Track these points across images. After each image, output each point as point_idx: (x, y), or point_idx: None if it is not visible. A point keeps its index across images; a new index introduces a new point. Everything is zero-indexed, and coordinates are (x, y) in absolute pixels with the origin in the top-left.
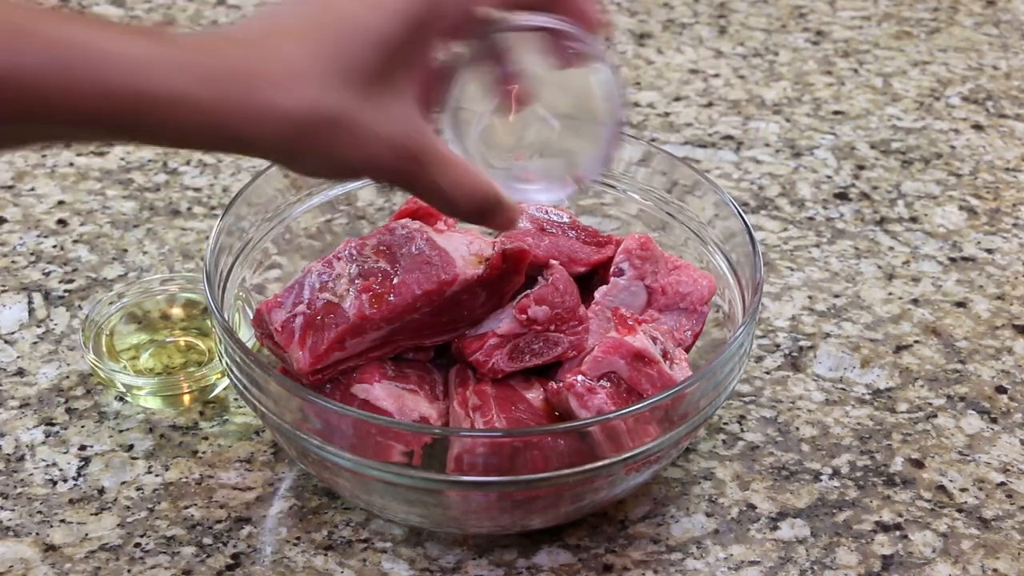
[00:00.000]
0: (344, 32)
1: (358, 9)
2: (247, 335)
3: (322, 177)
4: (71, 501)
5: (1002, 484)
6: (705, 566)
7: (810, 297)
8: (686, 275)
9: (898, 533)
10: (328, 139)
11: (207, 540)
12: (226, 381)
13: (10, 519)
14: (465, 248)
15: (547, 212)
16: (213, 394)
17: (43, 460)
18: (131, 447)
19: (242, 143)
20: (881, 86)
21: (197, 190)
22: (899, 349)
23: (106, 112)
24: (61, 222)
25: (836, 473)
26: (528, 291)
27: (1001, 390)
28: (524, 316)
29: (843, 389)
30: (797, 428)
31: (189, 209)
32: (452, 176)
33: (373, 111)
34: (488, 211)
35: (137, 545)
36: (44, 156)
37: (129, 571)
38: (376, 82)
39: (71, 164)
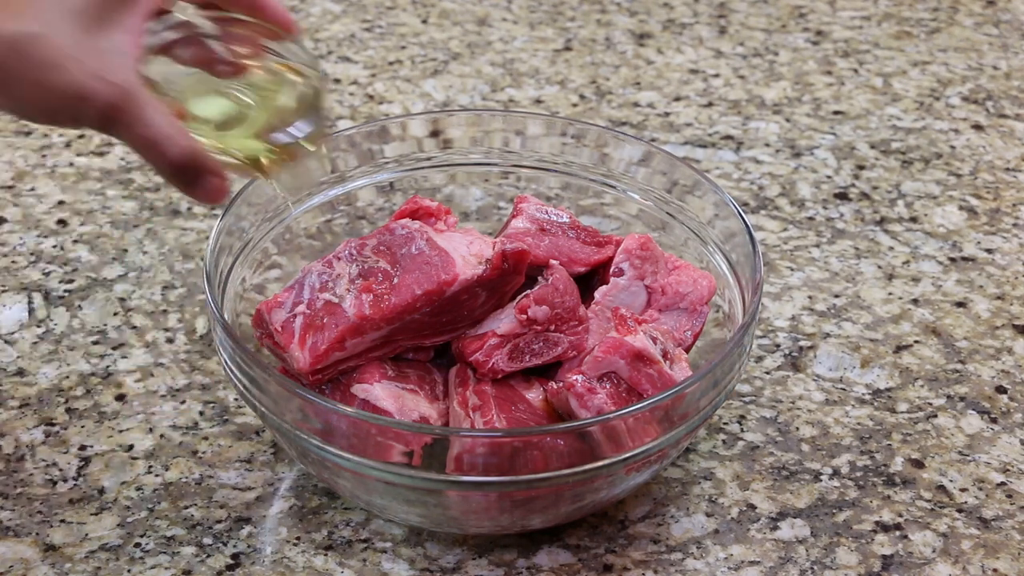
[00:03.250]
0: None
1: None
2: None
3: (37, 113)
4: (71, 501)
5: (1002, 484)
6: (705, 566)
7: (810, 297)
8: (686, 275)
9: (898, 533)
10: (39, 59)
11: (207, 540)
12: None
13: (10, 519)
14: (465, 248)
15: (547, 212)
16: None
17: (43, 460)
18: (131, 447)
19: None
20: (881, 86)
21: None
22: (899, 349)
23: None
24: (61, 222)
25: (836, 473)
26: (528, 291)
27: (1001, 390)
28: (524, 316)
29: (843, 389)
30: (797, 428)
31: (189, 209)
32: (162, 122)
33: (88, 47)
34: (193, 169)
35: (137, 545)
36: (44, 156)
37: (129, 571)
38: (92, 24)
39: (71, 164)
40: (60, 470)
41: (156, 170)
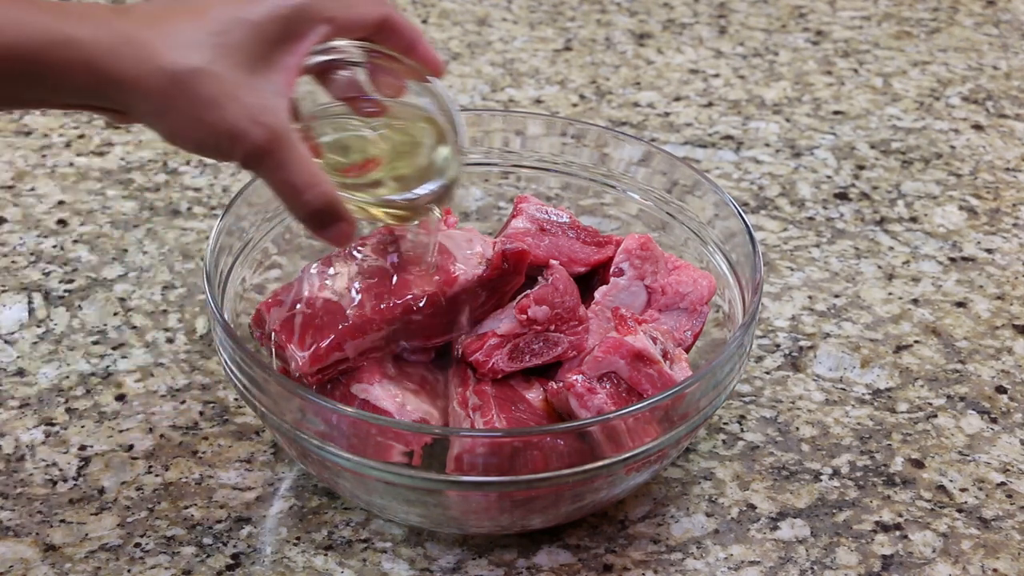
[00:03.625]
0: (228, 18)
1: (242, 2)
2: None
3: (187, 143)
4: (71, 501)
5: (1002, 484)
6: (705, 566)
7: (810, 297)
8: (686, 275)
9: (898, 533)
10: (198, 94)
11: (207, 540)
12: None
13: (10, 519)
14: (465, 248)
15: (547, 212)
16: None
17: (43, 460)
18: (131, 447)
19: (116, 85)
20: (881, 86)
21: (197, 190)
22: (899, 349)
23: None
24: (61, 222)
25: (836, 473)
26: (528, 291)
27: (1001, 390)
28: (524, 316)
29: (843, 389)
30: (797, 428)
31: (189, 209)
32: (305, 170)
33: (247, 86)
34: (329, 216)
35: (137, 545)
36: (44, 156)
37: (129, 571)
38: (253, 64)
39: (71, 164)
40: (60, 470)
41: (291, 211)
